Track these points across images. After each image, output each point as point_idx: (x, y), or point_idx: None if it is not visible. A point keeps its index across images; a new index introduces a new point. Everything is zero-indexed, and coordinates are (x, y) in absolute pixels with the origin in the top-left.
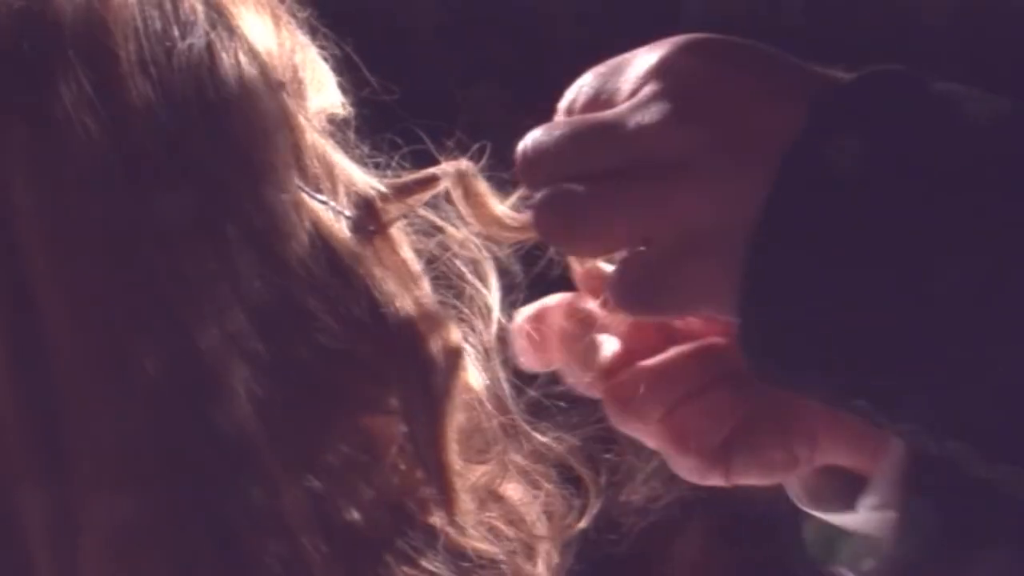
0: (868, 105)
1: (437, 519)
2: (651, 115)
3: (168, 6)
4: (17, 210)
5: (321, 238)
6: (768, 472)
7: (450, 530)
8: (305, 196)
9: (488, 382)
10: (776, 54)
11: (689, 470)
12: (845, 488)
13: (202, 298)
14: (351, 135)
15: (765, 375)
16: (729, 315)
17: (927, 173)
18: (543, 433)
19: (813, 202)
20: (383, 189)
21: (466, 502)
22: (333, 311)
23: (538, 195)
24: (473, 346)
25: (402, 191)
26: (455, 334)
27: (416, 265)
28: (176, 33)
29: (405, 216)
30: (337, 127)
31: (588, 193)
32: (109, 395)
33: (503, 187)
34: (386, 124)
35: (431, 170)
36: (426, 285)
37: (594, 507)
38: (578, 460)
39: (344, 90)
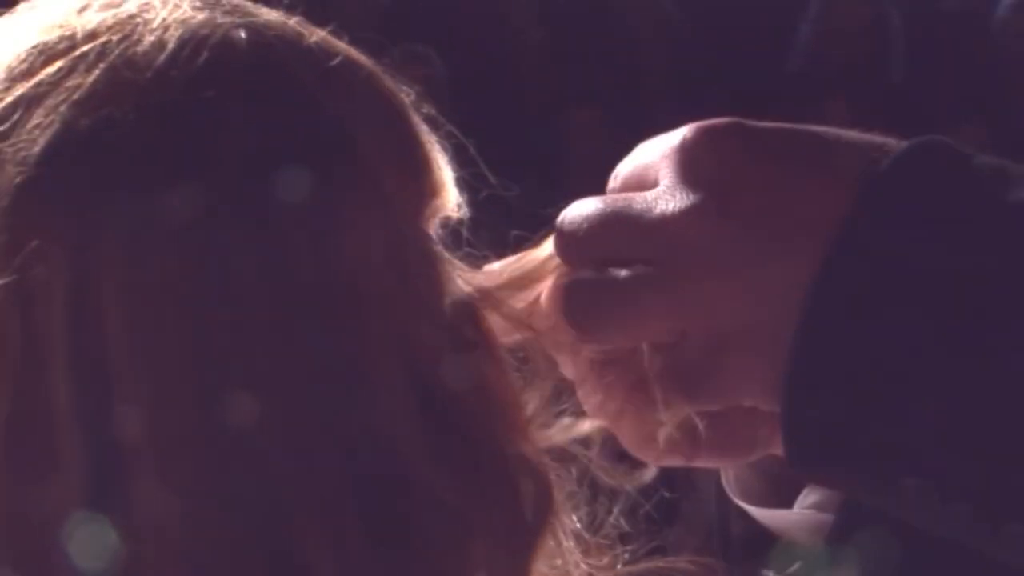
0: (917, 190)
1: None
2: (675, 205)
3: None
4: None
5: (411, 367)
6: (732, 452)
7: None
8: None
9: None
10: (804, 133)
11: (646, 448)
12: (772, 486)
13: (282, 432)
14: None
15: (808, 467)
16: (771, 406)
17: (977, 265)
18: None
19: (858, 295)
20: (486, 286)
21: None
22: (421, 448)
23: (568, 278)
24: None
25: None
26: (551, 483)
27: (517, 390)
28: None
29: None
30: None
31: (615, 285)
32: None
33: None
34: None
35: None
36: (526, 410)
37: None
38: None
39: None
